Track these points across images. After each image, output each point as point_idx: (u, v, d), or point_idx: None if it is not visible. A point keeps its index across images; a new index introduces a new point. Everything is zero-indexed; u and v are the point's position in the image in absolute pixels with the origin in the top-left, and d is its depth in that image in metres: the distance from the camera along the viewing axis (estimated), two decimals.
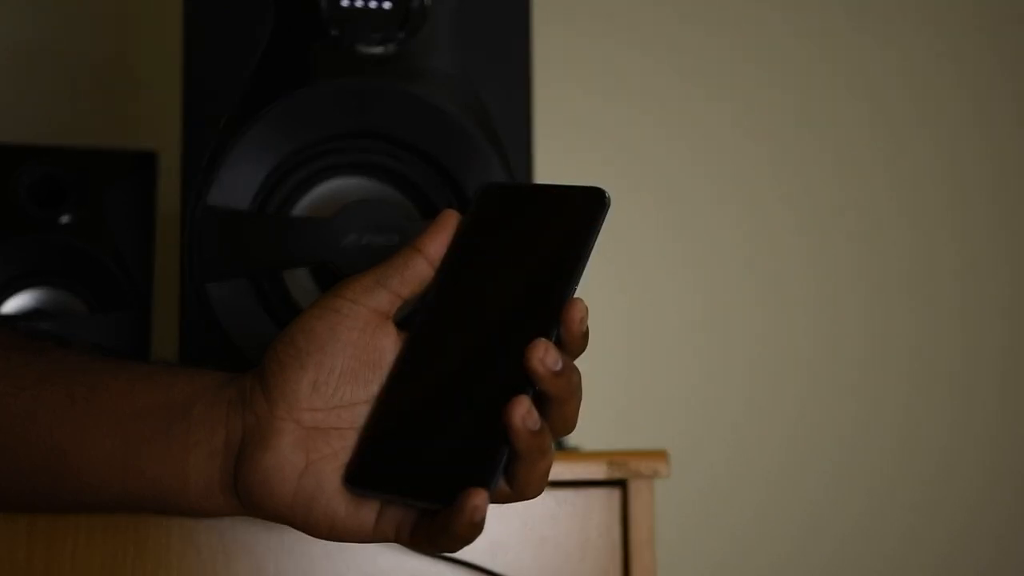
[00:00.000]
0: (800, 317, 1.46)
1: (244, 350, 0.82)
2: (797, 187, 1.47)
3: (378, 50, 0.85)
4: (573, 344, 0.64)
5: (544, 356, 0.61)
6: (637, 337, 1.44)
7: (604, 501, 0.83)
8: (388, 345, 0.66)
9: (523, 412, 0.60)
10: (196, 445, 0.65)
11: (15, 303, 1.00)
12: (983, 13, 1.51)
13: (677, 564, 1.39)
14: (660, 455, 0.83)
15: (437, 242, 0.67)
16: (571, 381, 0.63)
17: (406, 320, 0.68)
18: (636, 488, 0.83)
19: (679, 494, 1.37)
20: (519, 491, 0.63)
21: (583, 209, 0.66)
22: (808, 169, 1.48)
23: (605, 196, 0.66)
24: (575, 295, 0.64)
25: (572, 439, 1.15)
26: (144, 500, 0.67)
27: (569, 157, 1.40)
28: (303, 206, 0.85)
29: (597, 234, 0.65)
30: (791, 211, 1.47)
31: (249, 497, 0.65)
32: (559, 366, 0.62)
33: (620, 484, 0.83)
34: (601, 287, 1.41)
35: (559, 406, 0.63)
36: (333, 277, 0.81)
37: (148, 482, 0.66)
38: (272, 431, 0.64)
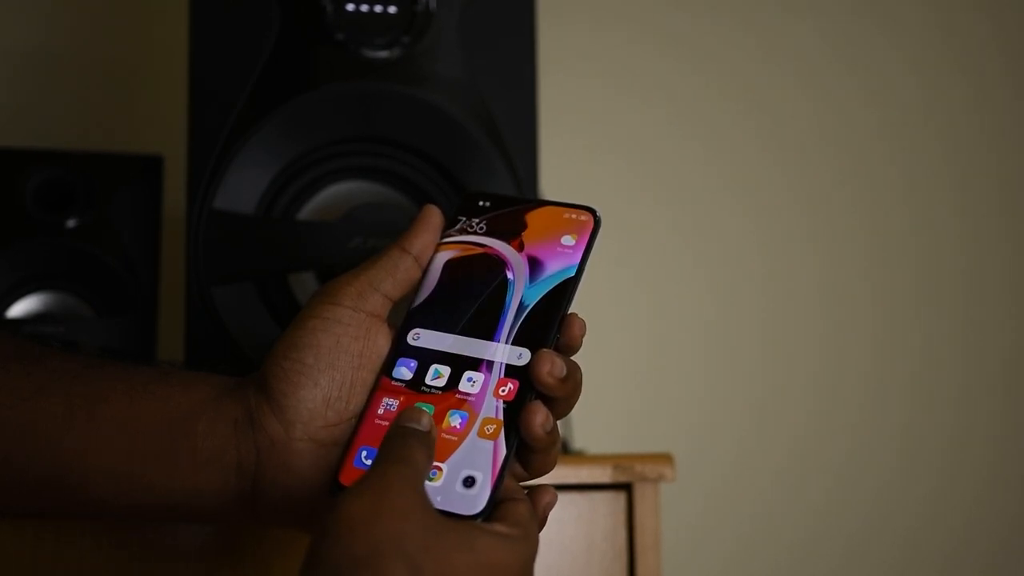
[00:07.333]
0: (807, 322, 1.46)
1: (249, 353, 0.82)
2: (809, 191, 1.47)
3: (383, 54, 0.85)
4: (570, 353, 0.65)
5: (552, 368, 0.63)
6: (643, 341, 1.43)
7: (609, 505, 0.83)
8: (386, 346, 0.66)
9: (541, 420, 0.63)
10: (206, 463, 0.65)
11: (22, 307, 1.00)
12: (994, 17, 1.51)
13: (682, 568, 1.39)
14: (666, 459, 0.83)
15: (423, 241, 0.68)
16: (575, 380, 0.65)
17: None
18: (641, 492, 0.82)
19: (684, 498, 1.37)
20: (535, 474, 0.66)
21: (576, 227, 0.67)
22: (820, 172, 1.47)
23: (597, 215, 0.68)
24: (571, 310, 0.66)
25: (578, 442, 1.15)
26: (154, 512, 0.67)
27: (576, 158, 1.39)
28: (308, 210, 0.85)
29: (591, 253, 0.67)
30: (802, 215, 1.47)
31: (271, 515, 0.65)
32: (564, 373, 0.64)
33: (625, 488, 0.83)
34: (608, 290, 1.41)
35: (565, 402, 0.65)
36: None
37: (158, 497, 0.66)
38: (291, 453, 0.64)
